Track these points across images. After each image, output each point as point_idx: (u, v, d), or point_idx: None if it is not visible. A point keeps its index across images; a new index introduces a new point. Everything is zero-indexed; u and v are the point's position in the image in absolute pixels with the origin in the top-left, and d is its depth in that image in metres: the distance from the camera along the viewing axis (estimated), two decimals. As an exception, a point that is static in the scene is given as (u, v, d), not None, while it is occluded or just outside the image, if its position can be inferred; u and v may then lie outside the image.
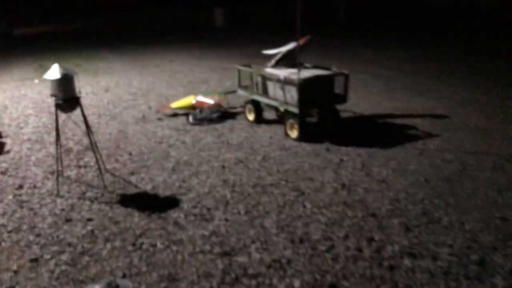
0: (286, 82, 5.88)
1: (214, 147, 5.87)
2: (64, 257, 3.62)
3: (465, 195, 4.42)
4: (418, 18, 21.40)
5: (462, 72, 10.06)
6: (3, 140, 6.15)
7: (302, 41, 6.09)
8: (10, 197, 4.73)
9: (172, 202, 4.45)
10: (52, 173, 5.21)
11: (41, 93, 9.09)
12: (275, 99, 6.15)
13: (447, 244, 3.61)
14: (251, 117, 6.77)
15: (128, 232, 3.93)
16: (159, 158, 5.56)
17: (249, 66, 6.88)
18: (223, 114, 7.03)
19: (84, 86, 9.54)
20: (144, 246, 3.71)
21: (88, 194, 4.74)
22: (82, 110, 4.84)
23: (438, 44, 14.00)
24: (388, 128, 6.52)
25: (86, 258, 3.59)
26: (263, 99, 6.41)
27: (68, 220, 4.20)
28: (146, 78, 10.24)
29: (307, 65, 6.42)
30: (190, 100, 7.39)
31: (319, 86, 5.96)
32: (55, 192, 4.75)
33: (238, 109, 7.36)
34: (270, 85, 6.25)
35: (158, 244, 3.72)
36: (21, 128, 6.94)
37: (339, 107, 6.49)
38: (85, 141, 6.19)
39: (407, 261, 3.40)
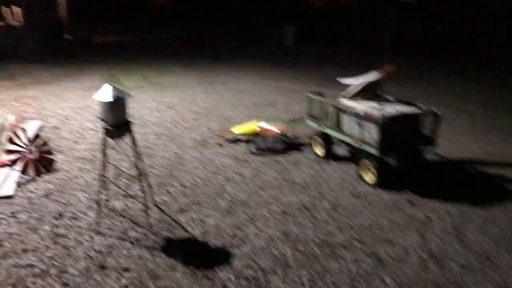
0: (365, 118, 5.00)
1: (275, 185, 5.08)
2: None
3: None
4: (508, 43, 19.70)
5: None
6: (53, 156, 5.69)
7: (385, 73, 5.21)
8: (47, 227, 4.17)
9: (222, 256, 3.69)
10: (96, 202, 4.63)
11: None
12: (349, 135, 5.28)
13: None
14: (319, 151, 5.93)
15: (167, 294, 3.22)
16: (214, 194, 4.84)
17: (321, 94, 6.06)
18: (288, 145, 6.23)
19: (148, 101, 9.12)
20: (183, 318, 2.97)
21: (131, 233, 4.08)
22: (132, 137, 4.22)
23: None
24: (482, 179, 5.44)
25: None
26: (335, 134, 5.55)
27: (102, 267, 3.55)
28: (211, 95, 9.66)
29: (389, 98, 5.50)
30: (253, 126, 6.66)
31: (404, 125, 5.02)
32: (95, 227, 4.15)
33: (305, 140, 6.55)
34: (345, 119, 5.39)
35: (200, 317, 2.97)
36: (77, 143, 6.50)
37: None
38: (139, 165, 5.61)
39: None
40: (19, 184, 5.05)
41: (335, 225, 4.21)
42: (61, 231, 4.11)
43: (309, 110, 6.04)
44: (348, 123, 5.33)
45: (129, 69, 13.41)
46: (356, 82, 5.63)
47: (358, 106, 5.24)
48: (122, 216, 4.38)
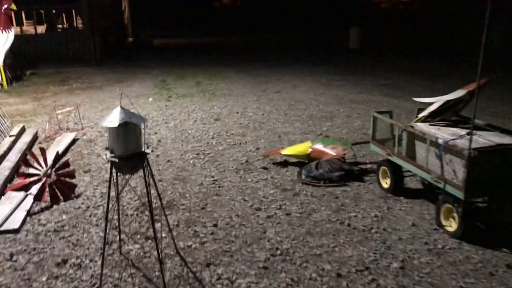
0: (447, 149, 3.81)
1: (328, 230, 3.99)
2: None
3: None
4: None
5: None
6: (76, 179, 4.93)
7: (474, 88, 3.97)
8: (43, 279, 3.35)
9: None
10: (109, 244, 3.76)
11: (148, 115, 7.99)
12: (426, 169, 4.10)
13: None
14: (385, 183, 4.76)
15: None
16: (250, 240, 3.83)
17: (390, 114, 4.90)
18: (346, 173, 5.10)
19: (195, 111, 8.29)
20: None
21: (139, 294, 3.18)
22: (150, 172, 3.31)
23: None
24: None
25: None
26: (406, 165, 4.38)
27: None
28: (263, 106, 8.67)
29: (479, 123, 4.23)
30: (305, 147, 5.59)
31: (499, 160, 3.76)
32: (98, 283, 3.27)
33: (368, 167, 5.40)
34: (420, 148, 4.20)
35: None
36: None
37: None
38: (167, 195, 4.73)
39: None
40: (30, 214, 4.32)
41: (406, 299, 3.08)
42: (59, 285, 3.27)
43: (375, 133, 4.89)
44: (424, 153, 4.14)
45: (184, 74, 12.75)
46: (435, 101, 4.43)
47: (438, 132, 4.05)
48: (135, 266, 3.49)
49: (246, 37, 25.03)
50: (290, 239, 3.83)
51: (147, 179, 3.26)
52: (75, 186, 4.77)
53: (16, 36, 19.66)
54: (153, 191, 3.64)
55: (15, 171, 5.08)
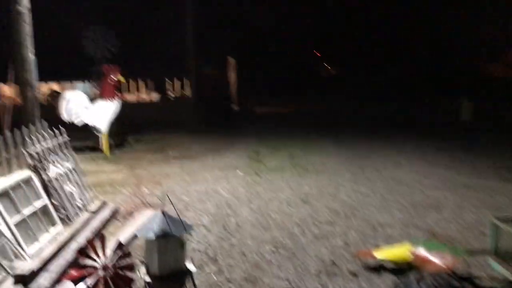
0: None
1: None
2: None
3: None
4: None
5: None
6: (135, 272, 4.35)
7: None
8: None
9: None
10: None
11: (234, 191, 7.41)
12: None
13: None
14: (513, 316, 3.51)
15: None
16: None
17: (518, 221, 3.72)
18: (458, 292, 3.91)
19: (283, 189, 7.55)
20: None
21: None
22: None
23: None
24: None
25: None
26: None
27: None
28: (358, 186, 7.68)
29: None
30: (405, 251, 4.50)
31: None
32: None
33: (488, 285, 4.14)
34: None
35: None
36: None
37: None
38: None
39: None
40: (80, 311, 3.78)
41: None
42: None
43: (495, 244, 3.71)
44: None
45: (279, 145, 12.23)
46: None
47: None
48: None
49: (350, 106, 24.28)
50: None
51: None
52: (132, 280, 4.17)
53: (128, 104, 20.98)
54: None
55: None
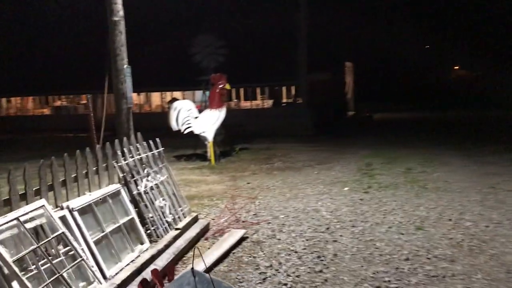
0: None
1: None
2: None
3: None
4: None
5: None
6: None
7: None
8: None
9: None
10: None
11: (336, 211, 6.57)
12: None
13: None
14: None
15: None
16: None
17: None
18: None
19: (394, 211, 6.51)
20: None
21: None
22: None
23: None
24: None
25: None
26: None
27: None
28: (488, 212, 6.32)
29: None
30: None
31: None
32: None
33: None
34: None
35: None
36: (265, 282, 4.48)
37: None
38: None
39: None
40: None
41: None
42: None
43: None
44: None
45: (394, 156, 11.04)
46: None
47: None
48: None
49: (482, 113, 21.64)
50: None
51: None
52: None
53: (242, 110, 21.07)
54: None
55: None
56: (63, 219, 4.21)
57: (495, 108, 22.85)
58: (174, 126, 10.37)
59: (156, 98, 26.24)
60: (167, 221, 5.56)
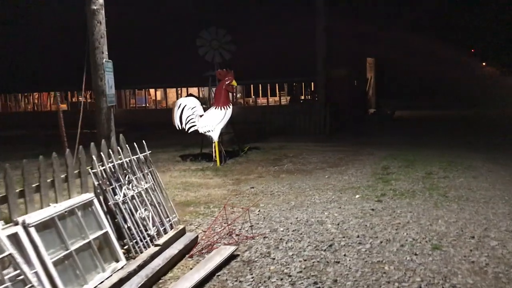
0: None
1: None
2: None
3: None
4: None
5: None
6: None
7: None
8: None
9: None
10: None
11: (342, 226, 5.83)
12: None
13: None
14: None
15: None
16: None
17: None
18: None
19: (409, 225, 5.73)
20: None
21: None
22: None
23: None
24: None
25: None
26: None
27: None
28: (518, 228, 5.50)
29: None
30: None
31: None
32: None
33: None
34: None
35: None
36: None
37: None
38: None
39: None
40: None
41: None
42: None
43: None
44: None
45: (414, 159, 10.20)
46: None
47: None
48: None
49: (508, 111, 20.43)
50: None
51: None
52: None
53: (258, 107, 20.38)
54: None
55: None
56: (15, 237, 3.63)
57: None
58: (177, 124, 9.78)
59: (173, 94, 25.80)
60: (148, 235, 4.94)
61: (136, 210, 4.98)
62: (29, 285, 3.45)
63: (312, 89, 22.90)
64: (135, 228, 4.79)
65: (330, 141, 13.82)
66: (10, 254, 3.43)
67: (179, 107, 9.76)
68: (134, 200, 5.02)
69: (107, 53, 4.97)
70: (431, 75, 30.15)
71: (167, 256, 4.59)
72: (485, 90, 29.05)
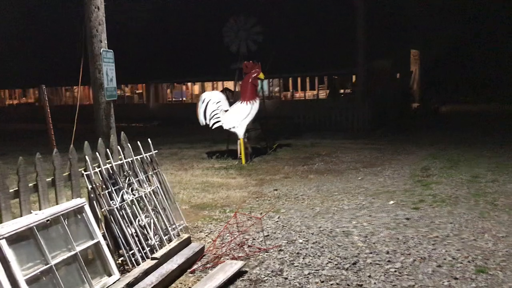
0: None
1: None
2: None
3: None
4: None
5: None
6: None
7: None
8: None
9: None
10: None
11: (370, 239, 5.10)
12: None
13: None
14: None
15: None
16: None
17: None
18: None
19: (450, 239, 4.94)
20: None
21: None
22: None
23: None
24: None
25: None
26: None
27: None
28: None
29: None
30: None
31: None
32: None
33: None
34: None
35: None
36: None
37: None
38: None
39: None
40: None
41: None
42: None
43: None
44: None
45: (459, 159, 9.24)
46: None
47: None
48: None
49: None
50: None
51: None
52: None
53: (294, 102, 19.64)
54: None
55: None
56: (-19, 251, 3.21)
57: None
58: (201, 120, 9.28)
59: (209, 88, 25.47)
60: (148, 245, 4.44)
61: (136, 217, 4.49)
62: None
63: (353, 82, 21.89)
64: (132, 238, 4.30)
65: (368, 138, 12.95)
66: (-30, 272, 2.99)
67: (203, 101, 9.25)
68: (134, 206, 4.53)
69: (106, 41, 4.48)
70: (485, 67, 28.20)
71: (164, 272, 4.05)
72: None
